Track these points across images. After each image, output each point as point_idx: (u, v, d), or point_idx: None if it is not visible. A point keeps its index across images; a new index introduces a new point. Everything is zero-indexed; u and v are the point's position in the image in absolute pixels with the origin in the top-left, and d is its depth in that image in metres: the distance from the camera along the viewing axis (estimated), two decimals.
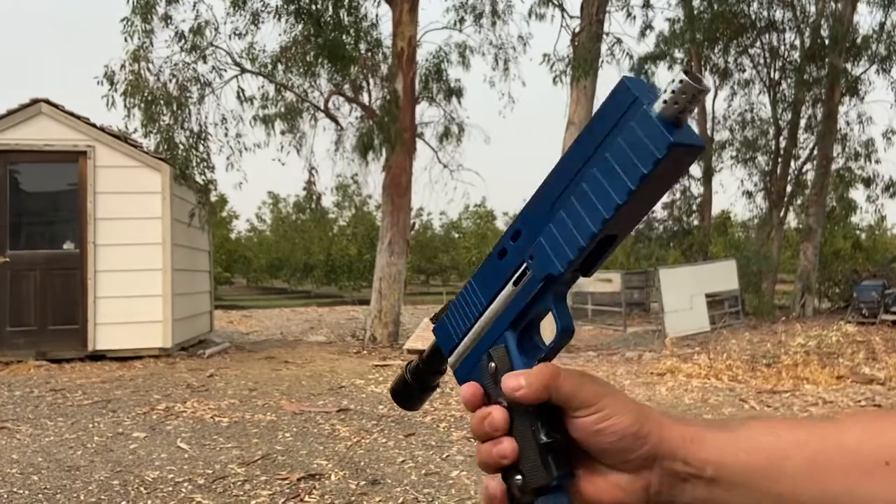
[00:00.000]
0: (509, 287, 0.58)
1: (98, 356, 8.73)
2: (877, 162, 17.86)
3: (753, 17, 16.31)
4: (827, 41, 15.14)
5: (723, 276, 13.01)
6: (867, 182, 17.96)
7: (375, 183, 20.19)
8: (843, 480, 0.51)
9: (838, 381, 7.05)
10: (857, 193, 18.39)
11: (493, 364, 0.59)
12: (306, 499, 3.73)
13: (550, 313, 0.59)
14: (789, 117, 16.86)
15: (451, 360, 0.63)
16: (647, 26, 14.20)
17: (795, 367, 7.60)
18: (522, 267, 0.57)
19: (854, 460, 0.52)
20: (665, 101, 0.49)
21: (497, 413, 0.57)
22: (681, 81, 0.48)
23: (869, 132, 18.63)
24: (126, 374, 7.70)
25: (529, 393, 0.55)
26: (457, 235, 37.02)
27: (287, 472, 4.15)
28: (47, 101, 8.87)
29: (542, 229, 0.56)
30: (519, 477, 0.55)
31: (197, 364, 8.52)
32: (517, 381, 0.55)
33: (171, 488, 3.90)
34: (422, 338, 9.76)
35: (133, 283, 8.91)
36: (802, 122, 17.04)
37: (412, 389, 0.69)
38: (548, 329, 0.58)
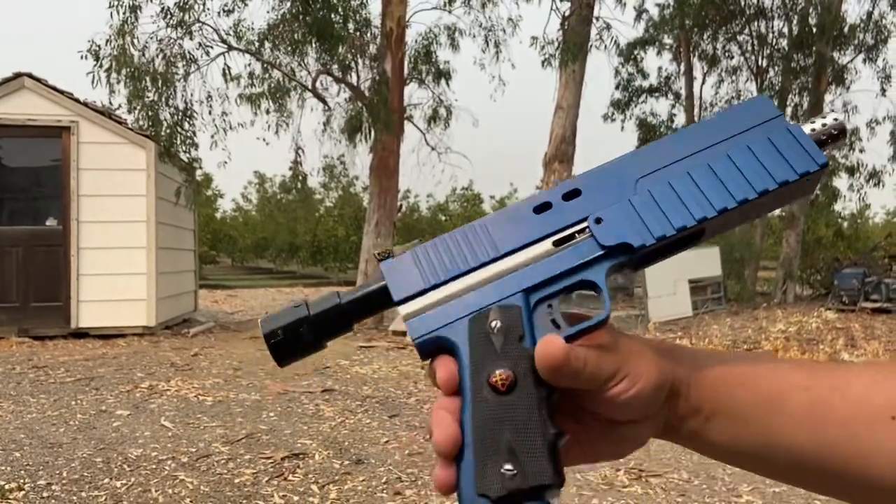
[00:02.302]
0: (544, 245, 0.50)
1: (81, 334, 8.69)
2: (861, 151, 18.03)
3: (742, 3, 16.32)
4: (815, 30, 15.19)
5: (706, 262, 13.11)
6: (851, 171, 18.12)
7: (363, 164, 20.08)
8: (843, 429, 0.49)
9: None
10: (841, 182, 18.57)
11: (497, 323, 0.48)
12: (290, 478, 3.76)
13: (581, 293, 0.52)
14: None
15: (406, 308, 0.50)
16: (641, 12, 14.16)
17: (776, 353, 7.70)
18: (575, 229, 0.51)
19: (857, 410, 0.49)
20: (814, 129, 0.52)
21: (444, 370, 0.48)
22: (835, 119, 0.52)
23: (854, 121, 18.76)
24: (109, 352, 7.67)
25: (572, 363, 0.46)
26: (444, 218, 37.00)
27: (271, 452, 4.17)
28: (30, 76, 8.74)
29: (617, 199, 0.51)
30: (509, 467, 0.44)
31: (181, 343, 8.50)
32: (557, 344, 0.46)
33: (154, 466, 3.91)
34: None
35: (117, 260, 8.85)
36: (788, 111, 17.13)
37: (304, 338, 0.51)
38: None
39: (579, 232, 0.50)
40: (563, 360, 0.45)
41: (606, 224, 0.50)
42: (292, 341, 0.51)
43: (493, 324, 0.48)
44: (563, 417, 0.49)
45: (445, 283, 0.50)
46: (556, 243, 0.50)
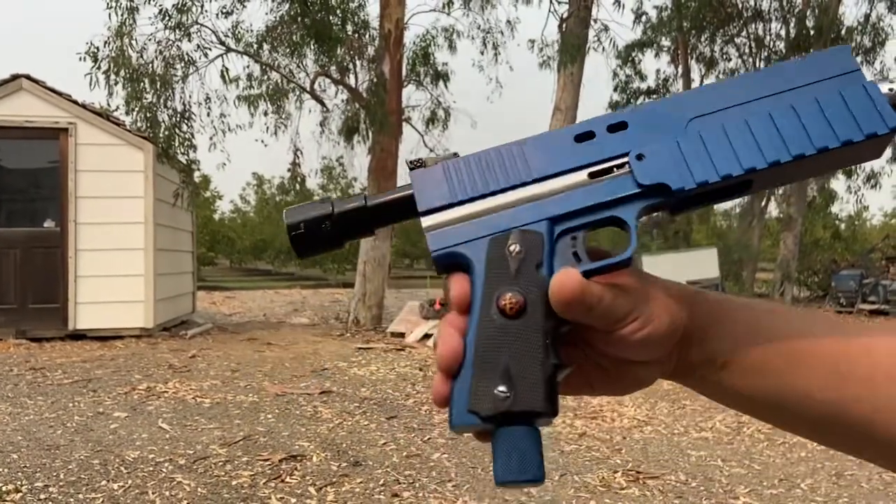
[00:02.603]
0: (579, 176, 0.49)
1: (78, 335, 8.68)
2: None
3: (740, 5, 16.34)
4: (812, 32, 15.22)
5: (704, 263, 13.13)
6: (848, 173, 18.15)
7: (361, 166, 20.10)
8: (866, 385, 0.48)
9: None
10: (839, 184, 18.63)
11: (516, 247, 0.47)
12: (287, 480, 3.75)
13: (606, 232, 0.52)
14: None
15: (429, 220, 0.50)
16: (640, 14, 14.20)
17: None
18: (614, 162, 0.48)
19: (881, 367, 0.48)
20: (892, 89, 0.48)
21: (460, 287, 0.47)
22: None
23: None
24: (107, 354, 7.67)
25: (586, 299, 0.45)
26: None
27: (269, 453, 4.16)
28: (28, 77, 8.73)
29: (665, 137, 0.48)
30: (503, 388, 0.44)
31: (179, 345, 8.49)
32: (574, 278, 0.45)
33: (151, 468, 3.90)
34: (406, 321, 9.78)
35: (115, 262, 8.84)
36: None
37: (324, 234, 0.51)
38: None
39: (618, 167, 0.48)
40: (578, 295, 0.45)
41: (647, 162, 0.48)
42: (313, 236, 0.51)
43: (512, 247, 0.47)
44: (569, 348, 0.49)
45: (472, 200, 0.49)
46: (592, 175, 0.49)
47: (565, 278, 0.45)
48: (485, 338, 0.46)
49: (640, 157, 0.48)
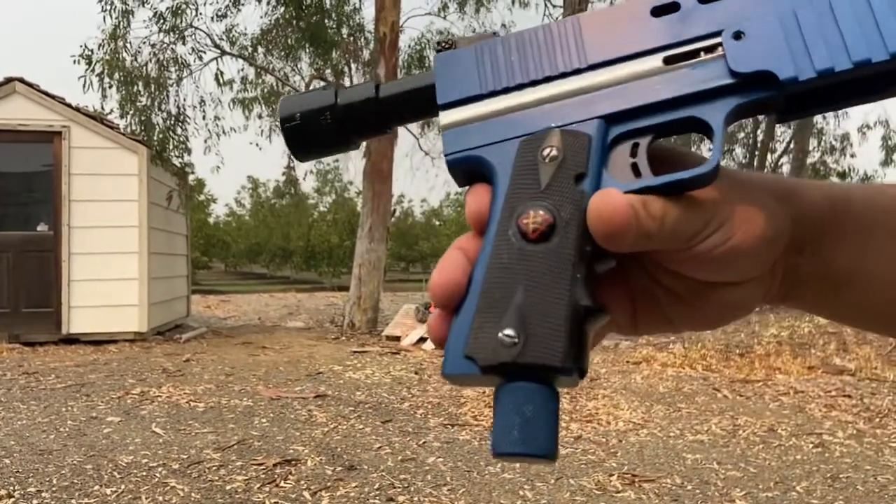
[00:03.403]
0: (651, 61, 0.37)
1: (72, 339, 8.65)
2: (852, 156, 18.20)
3: None
4: None
5: None
6: (842, 176, 18.24)
7: (356, 169, 20.11)
8: None
9: (809, 372, 7.17)
10: None
11: (552, 150, 0.36)
12: (282, 484, 3.74)
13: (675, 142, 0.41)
14: None
15: (449, 116, 0.39)
16: None
17: (768, 357, 7.73)
18: (702, 44, 0.36)
19: None
20: None
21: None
22: None
23: (844, 126, 18.99)
24: (100, 358, 7.63)
25: (643, 225, 0.34)
26: (438, 223, 37.13)
27: (263, 458, 4.15)
28: (22, 80, 8.71)
29: (776, 10, 0.35)
30: (511, 332, 0.34)
31: (173, 349, 8.46)
32: (615, 200, 0.34)
33: (145, 473, 3.88)
34: (401, 325, 9.76)
35: (108, 266, 8.81)
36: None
37: (326, 129, 0.41)
38: None
39: (707, 50, 0.36)
40: (626, 222, 0.34)
41: (749, 41, 0.35)
42: (311, 131, 0.41)
43: (546, 151, 0.36)
44: (633, 271, 0.39)
45: (507, 91, 0.39)
46: (669, 60, 0.36)
47: (603, 204, 0.34)
48: (497, 266, 0.35)
49: (738, 35, 0.35)
